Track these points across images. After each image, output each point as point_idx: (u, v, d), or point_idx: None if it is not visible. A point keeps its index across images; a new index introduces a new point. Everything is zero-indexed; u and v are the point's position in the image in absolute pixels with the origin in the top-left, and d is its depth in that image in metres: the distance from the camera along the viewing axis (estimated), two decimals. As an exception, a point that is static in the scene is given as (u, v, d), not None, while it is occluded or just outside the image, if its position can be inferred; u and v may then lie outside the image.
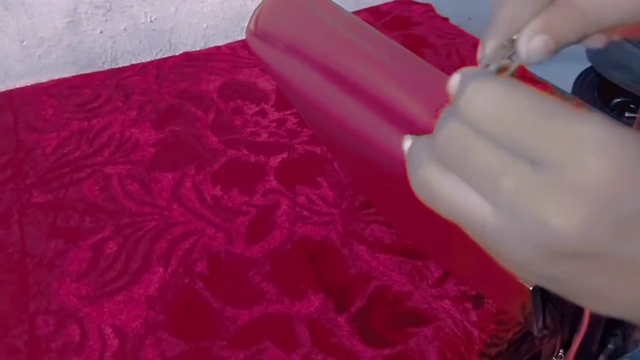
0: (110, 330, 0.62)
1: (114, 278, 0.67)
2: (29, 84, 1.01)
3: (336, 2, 0.47)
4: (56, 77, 1.04)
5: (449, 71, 0.37)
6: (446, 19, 1.20)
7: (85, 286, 0.66)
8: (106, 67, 1.19)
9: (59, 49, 1.15)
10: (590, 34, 0.29)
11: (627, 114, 1.42)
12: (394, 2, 1.27)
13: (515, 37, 0.28)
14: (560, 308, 0.64)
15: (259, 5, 0.46)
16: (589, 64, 1.46)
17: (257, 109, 0.95)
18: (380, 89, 0.37)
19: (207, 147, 0.87)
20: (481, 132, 0.22)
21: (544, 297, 0.41)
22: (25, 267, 0.69)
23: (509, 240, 0.22)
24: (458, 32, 1.15)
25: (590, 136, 0.20)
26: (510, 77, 0.28)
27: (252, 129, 0.90)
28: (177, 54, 1.10)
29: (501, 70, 0.29)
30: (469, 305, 0.64)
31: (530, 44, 0.28)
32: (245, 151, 0.86)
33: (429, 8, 1.24)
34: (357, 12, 1.20)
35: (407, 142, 0.27)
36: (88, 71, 1.07)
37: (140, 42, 1.21)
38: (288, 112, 0.93)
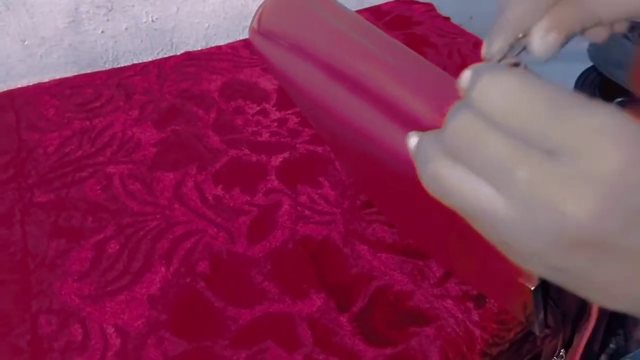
0: (113, 329, 0.62)
1: (116, 277, 0.67)
2: (30, 84, 1.01)
3: (338, 1, 0.48)
4: (58, 76, 1.04)
5: (450, 71, 0.38)
6: (447, 19, 1.20)
7: (87, 286, 0.67)
8: (107, 66, 1.19)
9: (60, 49, 1.15)
10: (594, 26, 0.30)
11: (629, 113, 1.42)
12: (395, 1, 1.27)
13: (520, 35, 0.29)
14: (562, 307, 0.64)
15: (262, 4, 0.46)
16: (590, 63, 1.46)
17: (258, 108, 0.95)
18: (384, 87, 0.37)
19: (208, 146, 0.87)
20: (494, 124, 0.22)
21: (546, 297, 0.41)
22: (27, 266, 0.69)
23: (522, 231, 0.22)
24: (459, 32, 1.15)
25: (604, 126, 0.20)
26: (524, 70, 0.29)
27: (254, 129, 0.90)
28: (178, 53, 1.10)
29: (510, 66, 0.29)
30: (470, 304, 0.64)
31: (545, 42, 0.29)
32: (246, 151, 0.86)
33: (430, 7, 1.24)
34: (358, 12, 1.20)
35: (413, 139, 0.27)
36: (89, 71, 1.07)
37: (141, 41, 1.21)
38: (289, 112, 0.93)
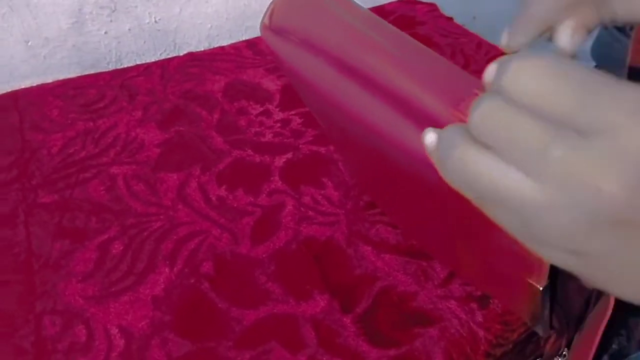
0: (117, 330, 0.62)
1: (119, 278, 0.67)
2: (34, 85, 1.01)
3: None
4: (61, 77, 1.04)
5: (454, 71, 0.37)
6: (450, 19, 1.20)
7: (91, 286, 0.67)
8: (111, 67, 1.20)
9: (63, 50, 1.15)
10: (609, 24, 0.31)
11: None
12: (398, 1, 1.27)
13: (544, 31, 0.30)
14: (566, 308, 0.64)
15: (273, 0, 0.46)
16: (593, 63, 1.45)
17: (261, 109, 0.95)
18: (396, 83, 0.37)
19: (212, 147, 0.87)
20: (524, 107, 0.22)
21: (553, 297, 0.41)
22: (31, 267, 0.69)
23: (552, 213, 0.22)
24: (462, 32, 1.15)
25: (637, 104, 0.20)
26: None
27: (257, 129, 0.90)
28: (181, 54, 1.10)
29: None
30: (474, 305, 0.64)
31: (573, 41, 0.30)
32: (250, 151, 0.86)
33: (433, 7, 1.24)
34: (361, 12, 1.19)
35: (429, 135, 0.27)
36: (93, 71, 1.07)
37: (144, 42, 1.21)
38: (292, 113, 0.93)
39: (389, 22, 1.26)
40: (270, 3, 0.46)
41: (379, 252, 0.70)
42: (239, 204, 0.77)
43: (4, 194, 0.79)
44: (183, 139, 0.89)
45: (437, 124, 0.31)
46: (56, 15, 1.10)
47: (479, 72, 0.33)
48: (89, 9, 1.12)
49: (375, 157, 0.48)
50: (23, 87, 1.01)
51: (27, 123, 0.91)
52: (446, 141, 0.26)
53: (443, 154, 0.26)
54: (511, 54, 0.31)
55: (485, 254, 0.46)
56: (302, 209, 0.76)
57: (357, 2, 0.44)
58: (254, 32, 1.24)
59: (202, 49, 1.14)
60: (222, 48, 1.12)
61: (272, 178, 0.81)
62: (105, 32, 1.17)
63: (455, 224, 0.43)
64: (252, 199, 0.78)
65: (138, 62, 1.14)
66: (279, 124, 0.91)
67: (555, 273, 0.40)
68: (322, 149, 0.85)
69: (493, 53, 1.06)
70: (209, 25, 1.27)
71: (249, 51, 1.09)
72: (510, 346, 0.62)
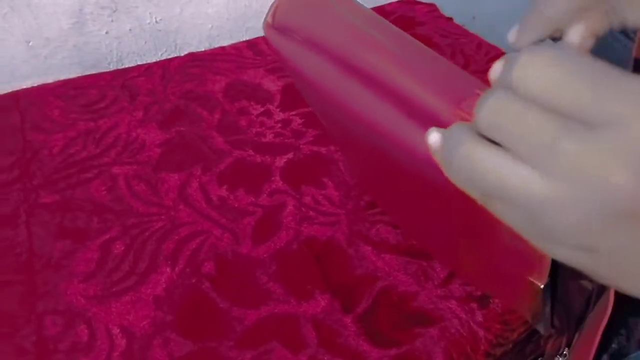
0: (118, 330, 0.62)
1: (121, 278, 0.68)
2: (35, 85, 1.01)
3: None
4: (62, 77, 1.04)
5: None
6: (450, 19, 1.21)
7: (93, 286, 0.67)
8: (112, 67, 1.20)
9: (64, 50, 1.15)
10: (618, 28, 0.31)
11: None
12: (398, 2, 1.27)
13: (552, 32, 0.31)
14: (567, 307, 0.64)
15: None
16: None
17: (262, 109, 0.95)
18: (399, 82, 0.37)
19: (213, 147, 0.87)
20: (532, 101, 0.22)
21: (554, 296, 0.41)
22: (32, 267, 0.69)
23: (560, 209, 0.22)
24: (462, 32, 1.15)
25: None
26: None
27: (258, 130, 0.90)
28: (182, 54, 1.11)
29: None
30: (474, 305, 0.64)
31: (583, 46, 0.30)
32: (251, 151, 0.86)
33: (433, 8, 1.24)
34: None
35: (433, 135, 0.27)
36: (94, 72, 1.07)
37: (145, 42, 1.22)
38: (293, 113, 0.93)
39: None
40: (274, 2, 0.46)
41: (379, 252, 0.70)
42: (240, 204, 0.77)
43: (5, 194, 0.79)
44: (184, 139, 0.89)
45: (439, 123, 0.31)
46: (57, 15, 1.10)
47: (479, 73, 0.34)
48: (90, 9, 1.12)
49: (377, 156, 0.48)
50: (24, 87, 1.01)
51: (28, 123, 0.91)
52: (452, 140, 0.26)
53: (448, 153, 0.26)
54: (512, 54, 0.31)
55: (486, 253, 0.46)
56: (303, 209, 0.76)
57: (358, 2, 0.44)
58: (255, 33, 1.24)
59: (203, 50, 1.14)
60: (222, 48, 1.12)
61: (273, 178, 0.81)
62: (106, 32, 1.17)
63: (457, 223, 0.43)
64: (253, 199, 0.78)
65: (139, 63, 1.14)
66: (279, 124, 0.91)
67: (556, 271, 0.40)
68: (323, 149, 0.86)
69: (493, 53, 1.07)
70: (210, 26, 1.27)
71: (249, 51, 1.10)
72: (510, 346, 0.62)
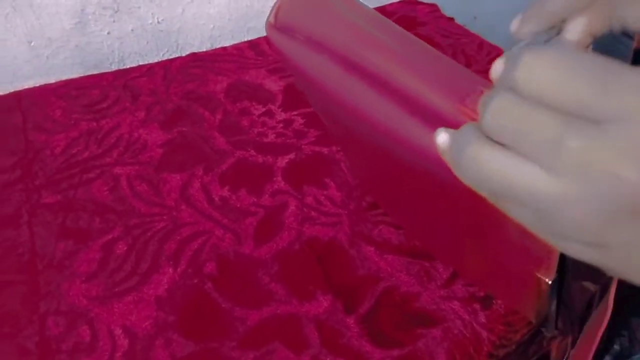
0: (120, 330, 0.62)
1: (123, 279, 0.68)
2: (37, 85, 1.01)
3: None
4: (64, 77, 1.05)
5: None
6: (451, 19, 1.20)
7: (95, 287, 0.67)
8: (114, 67, 1.20)
9: (66, 50, 1.15)
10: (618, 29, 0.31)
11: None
12: (399, 2, 1.27)
13: (555, 24, 0.31)
14: (570, 308, 0.64)
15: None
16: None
17: (264, 109, 0.95)
18: (402, 80, 0.37)
19: (214, 147, 0.87)
20: (537, 100, 0.22)
21: (559, 295, 0.41)
22: (35, 267, 0.69)
23: (569, 206, 0.22)
24: (463, 32, 1.15)
25: None
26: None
27: (260, 130, 0.90)
28: (184, 54, 1.11)
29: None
30: (477, 306, 0.64)
31: (582, 43, 0.30)
32: (252, 152, 0.86)
33: (434, 8, 1.24)
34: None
35: (442, 135, 0.27)
36: (95, 72, 1.07)
37: (147, 43, 1.22)
38: (295, 113, 0.93)
39: (391, 22, 1.25)
40: (276, 2, 0.46)
41: (381, 253, 0.70)
42: (242, 204, 0.77)
43: (7, 195, 0.79)
44: (186, 139, 0.89)
45: (444, 121, 0.31)
46: (59, 15, 1.11)
47: (480, 73, 0.34)
48: (92, 9, 1.12)
49: (381, 155, 0.48)
50: (26, 87, 1.01)
51: (30, 123, 0.91)
52: (460, 141, 0.26)
53: (457, 153, 0.26)
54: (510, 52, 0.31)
55: (492, 251, 0.46)
56: (304, 209, 0.76)
57: (360, 1, 0.45)
58: (257, 33, 1.24)
59: (205, 50, 1.14)
60: (224, 49, 1.12)
61: (274, 178, 0.81)
62: (108, 33, 1.17)
63: (463, 221, 0.43)
64: (255, 200, 0.78)
65: (141, 63, 1.14)
66: (281, 125, 0.91)
67: (562, 268, 0.40)
68: (325, 150, 0.86)
69: (494, 53, 1.07)
70: (212, 26, 1.27)
71: (251, 52, 1.10)
72: (513, 347, 0.62)
